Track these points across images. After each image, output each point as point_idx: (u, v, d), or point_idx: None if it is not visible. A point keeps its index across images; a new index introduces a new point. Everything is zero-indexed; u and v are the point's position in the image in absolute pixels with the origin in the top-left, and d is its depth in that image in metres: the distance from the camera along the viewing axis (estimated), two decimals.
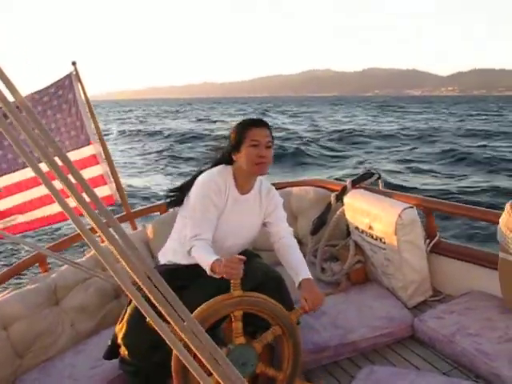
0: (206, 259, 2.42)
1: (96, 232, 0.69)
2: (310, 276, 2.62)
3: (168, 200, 2.97)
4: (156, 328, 0.72)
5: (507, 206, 2.96)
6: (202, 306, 2.31)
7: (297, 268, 2.67)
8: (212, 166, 2.79)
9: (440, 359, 2.96)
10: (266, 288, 2.57)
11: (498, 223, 3.05)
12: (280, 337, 2.48)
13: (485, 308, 3.17)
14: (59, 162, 0.68)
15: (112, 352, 2.77)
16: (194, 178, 2.78)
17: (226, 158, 2.74)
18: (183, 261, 2.74)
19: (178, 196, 2.87)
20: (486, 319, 3.04)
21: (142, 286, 0.70)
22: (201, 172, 2.79)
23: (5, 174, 3.92)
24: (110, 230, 0.69)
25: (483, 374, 2.67)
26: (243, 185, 2.74)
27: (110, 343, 2.80)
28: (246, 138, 2.58)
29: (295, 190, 4.70)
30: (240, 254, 2.91)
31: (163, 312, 0.69)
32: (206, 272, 2.52)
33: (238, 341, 2.38)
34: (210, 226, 2.61)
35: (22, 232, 4.14)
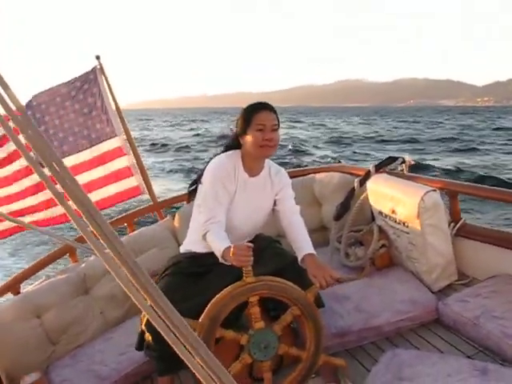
0: (218, 246, 2.45)
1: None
2: (313, 251, 2.65)
3: (188, 192, 3.03)
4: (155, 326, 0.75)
5: None
6: (218, 295, 2.35)
7: (301, 244, 2.71)
8: (222, 152, 2.83)
9: (464, 342, 2.94)
10: (287, 272, 2.59)
11: None
12: (299, 317, 2.50)
13: (510, 291, 3.14)
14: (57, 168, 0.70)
15: (142, 342, 2.82)
16: (207, 165, 2.81)
17: (234, 143, 2.78)
18: (202, 249, 2.77)
19: (196, 186, 2.90)
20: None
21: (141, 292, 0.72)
22: (214, 156, 2.83)
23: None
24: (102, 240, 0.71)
25: (509, 357, 2.65)
26: (252, 167, 2.77)
27: (139, 334, 2.85)
28: (252, 122, 2.62)
29: (319, 176, 4.70)
30: (259, 239, 2.94)
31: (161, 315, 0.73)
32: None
33: (257, 326, 2.41)
34: (222, 209, 2.64)
35: (51, 225, 4.24)
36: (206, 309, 2.33)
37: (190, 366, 0.72)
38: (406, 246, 3.62)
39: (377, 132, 48.70)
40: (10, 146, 3.90)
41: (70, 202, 0.70)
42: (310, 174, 4.81)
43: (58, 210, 4.14)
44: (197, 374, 0.72)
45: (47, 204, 4.10)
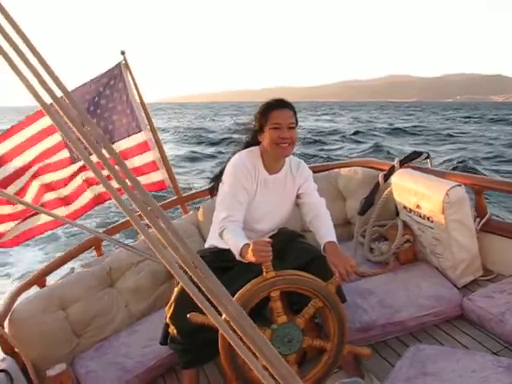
0: (236, 243, 2.46)
1: (143, 219, 0.73)
2: (335, 240, 2.68)
3: (210, 187, 3.05)
4: (204, 310, 0.76)
5: None
6: (240, 291, 2.39)
7: (323, 233, 2.73)
8: (243, 149, 2.84)
9: (490, 339, 2.94)
10: (311, 267, 2.61)
11: None
12: (322, 309, 2.52)
13: None
14: (106, 154, 0.72)
15: (166, 336, 2.85)
16: (228, 161, 2.83)
17: (254, 140, 2.80)
18: (225, 245, 2.81)
19: (218, 182, 2.92)
20: None
21: (188, 271, 0.72)
22: (234, 154, 2.84)
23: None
24: (157, 218, 0.73)
25: None
26: (271, 165, 2.78)
27: (163, 328, 2.89)
28: (269, 121, 2.63)
29: (343, 170, 4.70)
30: (282, 234, 2.96)
31: (209, 296, 0.72)
32: None
33: (280, 320, 2.44)
34: (240, 208, 2.65)
35: (79, 217, 4.30)
36: (241, 290, 2.38)
37: (247, 359, 0.73)
38: (430, 241, 3.61)
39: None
40: (49, 141, 3.96)
41: (114, 184, 0.72)
42: (334, 168, 4.81)
43: (85, 199, 4.22)
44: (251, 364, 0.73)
45: (76, 194, 4.16)
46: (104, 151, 0.71)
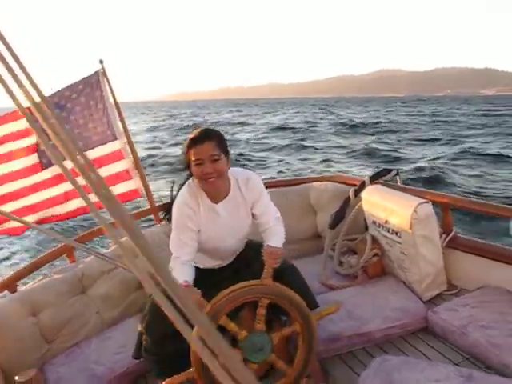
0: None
1: (117, 227, 0.76)
2: (277, 245, 2.73)
3: (165, 215, 3.07)
4: (174, 322, 0.77)
5: None
6: (236, 285, 2.44)
7: (269, 240, 2.81)
8: (187, 179, 2.85)
9: (452, 350, 3.03)
10: (282, 277, 2.65)
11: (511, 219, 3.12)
12: (298, 335, 2.60)
13: (498, 302, 3.23)
14: (81, 161, 0.75)
15: (139, 349, 2.86)
16: (177, 193, 2.86)
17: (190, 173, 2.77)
18: (199, 265, 2.88)
19: (169, 215, 2.94)
20: (499, 313, 3.10)
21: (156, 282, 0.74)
22: (182, 185, 2.86)
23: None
24: (129, 228, 0.75)
25: (494, 365, 2.74)
26: (215, 194, 2.76)
27: (137, 339, 2.91)
28: (191, 157, 2.61)
29: (315, 185, 4.80)
30: (250, 247, 3.01)
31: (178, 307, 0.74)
32: (224, 273, 2.77)
33: (258, 327, 2.50)
34: (186, 248, 2.68)
35: (51, 223, 4.30)
36: (220, 293, 2.41)
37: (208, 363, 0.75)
38: (398, 255, 3.71)
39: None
40: (17, 144, 3.96)
41: (91, 195, 0.75)
42: (306, 183, 4.90)
43: (63, 207, 4.22)
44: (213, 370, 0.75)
45: (51, 202, 4.16)
46: (79, 158, 0.74)
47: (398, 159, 22.86)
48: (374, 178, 4.27)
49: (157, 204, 4.60)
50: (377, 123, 46.19)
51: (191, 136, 2.65)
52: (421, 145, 29.12)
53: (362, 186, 4.26)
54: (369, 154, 25.00)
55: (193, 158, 2.60)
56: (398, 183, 4.26)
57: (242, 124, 53.02)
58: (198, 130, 2.68)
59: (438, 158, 21.99)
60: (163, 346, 2.67)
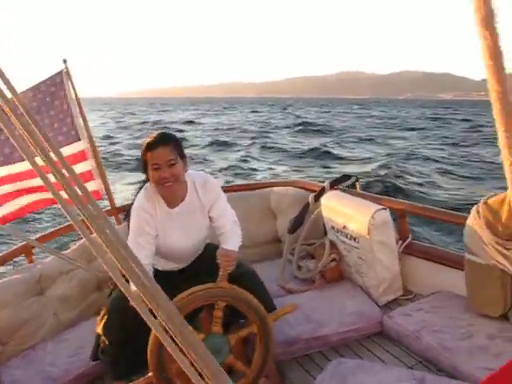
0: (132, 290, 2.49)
1: (86, 224, 0.77)
2: (232, 248, 2.74)
3: (124, 218, 3.07)
4: (138, 310, 0.78)
5: (473, 210, 3.11)
6: (190, 290, 2.45)
7: (225, 243, 2.83)
8: (144, 183, 2.85)
9: (406, 354, 3.10)
10: (241, 281, 2.68)
11: (464, 226, 3.21)
12: (255, 335, 2.63)
13: (450, 307, 3.32)
14: (54, 158, 0.75)
15: (96, 351, 2.85)
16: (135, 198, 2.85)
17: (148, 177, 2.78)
18: (158, 266, 2.88)
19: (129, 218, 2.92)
20: (451, 317, 3.19)
21: (127, 276, 0.73)
22: (139, 189, 2.86)
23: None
24: (100, 222, 0.75)
25: (445, 368, 2.82)
26: (171, 198, 2.78)
27: (95, 342, 2.89)
28: (148, 162, 2.62)
29: (275, 189, 4.84)
30: (210, 249, 3.02)
31: (145, 298, 0.75)
32: (183, 275, 2.80)
33: (215, 329, 2.52)
34: (144, 252, 2.67)
35: (10, 221, 4.25)
36: (177, 297, 2.42)
37: (175, 356, 0.77)
38: (355, 260, 3.78)
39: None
40: None
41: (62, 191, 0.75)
42: (267, 187, 4.94)
43: (16, 205, 4.16)
44: (180, 363, 0.76)
45: (5, 199, 4.11)
46: (52, 155, 0.74)
47: (327, 154, 25.36)
48: (334, 184, 4.34)
49: (117, 206, 4.59)
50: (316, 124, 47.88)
51: (148, 140, 2.65)
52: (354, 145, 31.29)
53: (322, 191, 4.32)
54: (284, 151, 27.27)
55: (150, 163, 2.61)
56: (357, 189, 4.33)
57: (190, 123, 52.83)
58: (155, 134, 2.68)
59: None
60: (121, 348, 2.66)
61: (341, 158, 24.35)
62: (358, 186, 4.37)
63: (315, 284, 3.91)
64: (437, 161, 22.53)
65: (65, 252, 3.84)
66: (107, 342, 2.68)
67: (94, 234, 0.72)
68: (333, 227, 4.01)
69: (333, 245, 4.02)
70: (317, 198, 4.32)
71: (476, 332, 2.99)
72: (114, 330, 2.66)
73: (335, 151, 26.64)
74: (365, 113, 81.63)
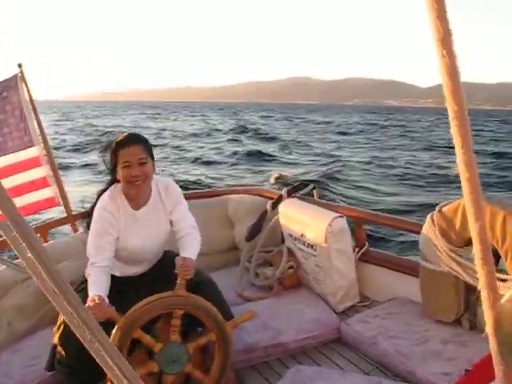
0: (91, 292, 2.47)
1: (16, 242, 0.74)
2: (191, 256, 2.72)
3: (86, 224, 3.03)
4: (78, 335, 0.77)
5: (428, 218, 3.18)
6: (147, 299, 2.43)
7: (184, 252, 2.80)
8: (108, 186, 2.85)
9: (363, 360, 3.14)
10: (198, 289, 2.68)
11: (419, 233, 3.27)
12: (214, 343, 2.63)
13: (406, 313, 3.39)
14: None
15: (52, 361, 2.79)
16: (97, 199, 2.83)
17: (114, 177, 2.78)
18: (116, 272, 2.85)
19: (90, 220, 2.88)
20: (406, 323, 3.25)
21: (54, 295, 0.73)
22: (103, 191, 2.84)
23: None
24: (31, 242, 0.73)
25: (401, 373, 2.87)
26: (136, 200, 2.79)
27: (50, 352, 2.83)
28: (119, 159, 2.63)
29: (233, 197, 4.84)
30: (168, 256, 3.01)
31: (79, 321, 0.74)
32: (142, 281, 2.77)
33: (173, 338, 2.51)
34: (105, 253, 2.66)
35: None
36: (132, 308, 2.40)
37: (108, 372, 0.76)
38: (313, 268, 3.81)
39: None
40: None
41: None
42: (224, 194, 4.94)
43: None
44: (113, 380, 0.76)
45: None
46: None
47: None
48: (291, 192, 4.37)
49: (73, 213, 4.52)
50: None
51: (119, 139, 2.66)
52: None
53: (279, 199, 4.34)
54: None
55: (120, 161, 2.61)
56: (315, 197, 4.37)
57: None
58: (125, 134, 2.70)
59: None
60: (77, 359, 2.62)
61: (270, 161, 25.81)
62: (315, 194, 4.41)
63: (273, 291, 3.92)
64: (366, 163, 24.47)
65: (18, 261, 3.75)
66: (64, 353, 2.64)
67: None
68: (290, 235, 4.03)
69: (290, 252, 4.04)
70: (274, 206, 4.34)
71: (431, 337, 3.06)
72: (70, 340, 2.61)
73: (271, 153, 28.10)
74: (309, 118, 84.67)
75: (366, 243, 3.99)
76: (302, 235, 3.85)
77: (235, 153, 27.89)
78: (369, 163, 24.52)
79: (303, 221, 3.83)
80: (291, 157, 27.40)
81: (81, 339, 0.75)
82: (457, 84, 0.46)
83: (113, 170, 2.72)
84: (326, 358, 3.23)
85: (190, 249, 2.82)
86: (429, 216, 3.19)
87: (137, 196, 2.76)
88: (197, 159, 25.62)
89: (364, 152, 30.22)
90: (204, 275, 2.98)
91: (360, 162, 24.83)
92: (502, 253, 2.73)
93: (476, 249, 0.49)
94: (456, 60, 0.45)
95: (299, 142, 36.48)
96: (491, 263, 0.51)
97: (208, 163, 24.60)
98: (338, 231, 3.61)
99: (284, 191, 4.38)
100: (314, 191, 4.41)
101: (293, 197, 4.34)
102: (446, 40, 0.44)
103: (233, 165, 24.29)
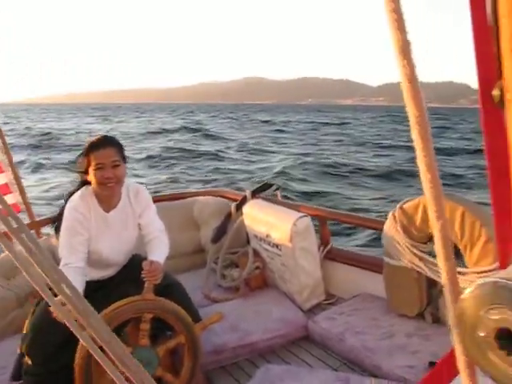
0: None
1: (9, 238, 0.76)
2: (158, 260, 2.72)
3: (54, 227, 3.01)
4: (66, 323, 0.78)
5: (390, 215, 3.25)
6: (115, 303, 2.43)
7: (151, 256, 2.79)
8: (79, 187, 2.83)
9: (331, 357, 3.19)
10: (166, 293, 2.69)
11: (382, 230, 3.34)
12: (183, 345, 2.64)
13: (371, 309, 3.46)
14: None
15: (18, 370, 2.76)
16: (66, 201, 2.81)
17: (85, 179, 2.77)
18: (89, 275, 2.83)
19: (60, 222, 2.85)
20: (372, 318, 3.32)
21: (53, 288, 0.74)
22: (71, 194, 2.83)
23: None
24: (22, 235, 0.75)
25: (367, 367, 2.93)
26: (107, 202, 2.79)
27: (15, 361, 2.80)
28: (92, 161, 2.62)
29: (198, 199, 4.85)
30: (137, 260, 3.01)
31: (75, 313, 0.76)
32: (110, 285, 2.76)
33: (142, 342, 2.51)
34: (77, 254, 2.64)
35: None
36: (101, 313, 2.39)
37: (104, 365, 0.78)
38: (279, 267, 3.85)
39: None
40: None
41: None
42: (189, 197, 4.95)
43: None
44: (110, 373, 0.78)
45: None
46: None
47: None
48: (256, 193, 4.40)
49: (37, 219, 4.46)
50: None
51: (92, 140, 2.66)
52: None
53: (244, 200, 4.37)
54: None
55: (93, 163, 2.60)
56: (278, 197, 4.41)
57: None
58: (98, 136, 2.69)
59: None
60: (44, 367, 2.60)
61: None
62: (278, 194, 4.45)
63: (240, 292, 3.94)
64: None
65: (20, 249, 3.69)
66: (30, 362, 2.61)
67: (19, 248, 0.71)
68: (256, 235, 4.06)
69: (256, 253, 4.08)
70: (239, 207, 4.37)
71: (396, 331, 3.13)
72: (37, 349, 2.59)
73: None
74: (255, 118, 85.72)
75: (331, 241, 4.05)
76: (267, 235, 3.88)
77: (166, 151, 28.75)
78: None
79: (268, 221, 3.87)
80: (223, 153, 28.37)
81: (76, 334, 0.77)
82: (417, 91, 0.49)
83: (84, 172, 2.70)
84: (294, 356, 3.27)
85: (158, 252, 2.82)
86: (391, 213, 3.26)
87: (108, 198, 2.76)
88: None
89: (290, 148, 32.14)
90: (171, 278, 2.99)
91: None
92: (461, 247, 2.81)
93: (437, 245, 0.52)
94: (415, 69, 0.48)
95: (235, 139, 38.05)
96: (452, 258, 0.54)
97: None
98: (303, 230, 3.65)
99: (248, 192, 4.41)
100: (278, 191, 4.45)
101: (257, 197, 4.37)
102: (405, 50, 0.47)
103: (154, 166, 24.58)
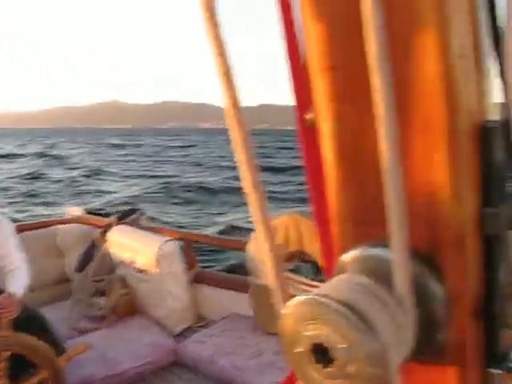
0: None
1: None
2: (17, 291, 2.65)
3: None
4: None
5: (252, 235, 3.32)
6: None
7: (11, 289, 2.70)
8: None
9: (203, 380, 3.19)
10: (26, 326, 2.57)
11: (245, 251, 3.41)
12: (46, 380, 2.51)
13: (240, 329, 3.51)
14: None
15: None
16: None
17: None
18: None
19: None
20: (240, 338, 3.36)
21: None
22: None
23: None
24: None
25: None
26: None
27: None
28: None
29: (61, 227, 4.68)
30: None
31: None
32: None
33: (1, 383, 2.37)
34: None
35: None
36: None
37: None
38: (146, 293, 3.81)
39: None
40: None
41: None
42: (51, 225, 4.76)
43: None
44: None
45: None
46: None
47: None
48: (121, 218, 4.33)
49: None
50: None
51: None
52: None
53: (109, 226, 4.27)
54: None
55: None
56: (144, 222, 4.36)
57: None
58: None
59: None
60: None
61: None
62: (144, 219, 4.40)
63: (107, 321, 3.84)
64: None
65: None
66: None
67: None
68: (122, 262, 3.99)
69: (123, 280, 3.99)
70: (103, 234, 4.27)
71: (264, 349, 3.19)
72: None
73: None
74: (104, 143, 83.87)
75: (197, 264, 4.06)
76: (132, 261, 3.83)
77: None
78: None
79: (133, 247, 3.82)
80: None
81: None
82: (240, 114, 0.50)
83: None
84: (165, 383, 3.22)
85: (15, 284, 2.73)
86: (253, 233, 3.32)
87: None
88: None
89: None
90: (32, 310, 2.86)
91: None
92: (315, 256, 2.93)
93: (268, 267, 0.53)
94: (238, 91, 0.49)
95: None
96: (282, 275, 0.55)
97: None
98: (169, 254, 3.65)
99: (113, 218, 4.32)
100: (143, 216, 4.40)
101: (122, 223, 4.29)
102: (227, 74, 0.48)
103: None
